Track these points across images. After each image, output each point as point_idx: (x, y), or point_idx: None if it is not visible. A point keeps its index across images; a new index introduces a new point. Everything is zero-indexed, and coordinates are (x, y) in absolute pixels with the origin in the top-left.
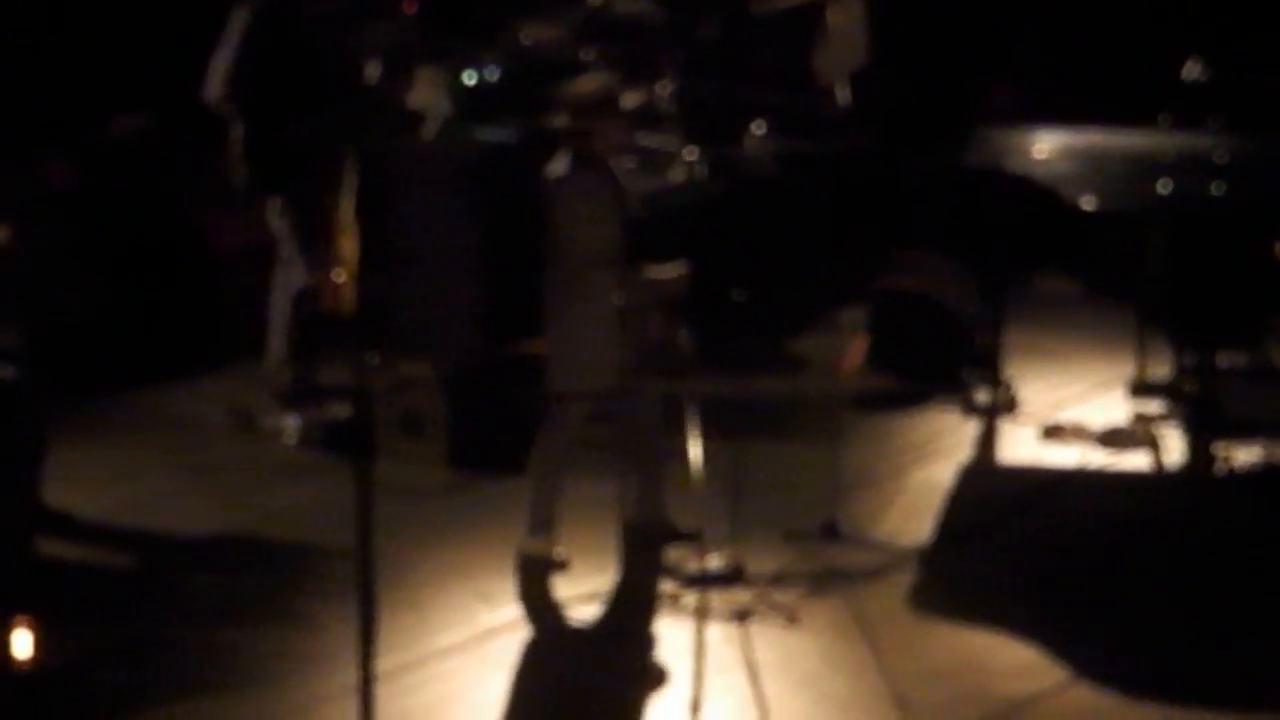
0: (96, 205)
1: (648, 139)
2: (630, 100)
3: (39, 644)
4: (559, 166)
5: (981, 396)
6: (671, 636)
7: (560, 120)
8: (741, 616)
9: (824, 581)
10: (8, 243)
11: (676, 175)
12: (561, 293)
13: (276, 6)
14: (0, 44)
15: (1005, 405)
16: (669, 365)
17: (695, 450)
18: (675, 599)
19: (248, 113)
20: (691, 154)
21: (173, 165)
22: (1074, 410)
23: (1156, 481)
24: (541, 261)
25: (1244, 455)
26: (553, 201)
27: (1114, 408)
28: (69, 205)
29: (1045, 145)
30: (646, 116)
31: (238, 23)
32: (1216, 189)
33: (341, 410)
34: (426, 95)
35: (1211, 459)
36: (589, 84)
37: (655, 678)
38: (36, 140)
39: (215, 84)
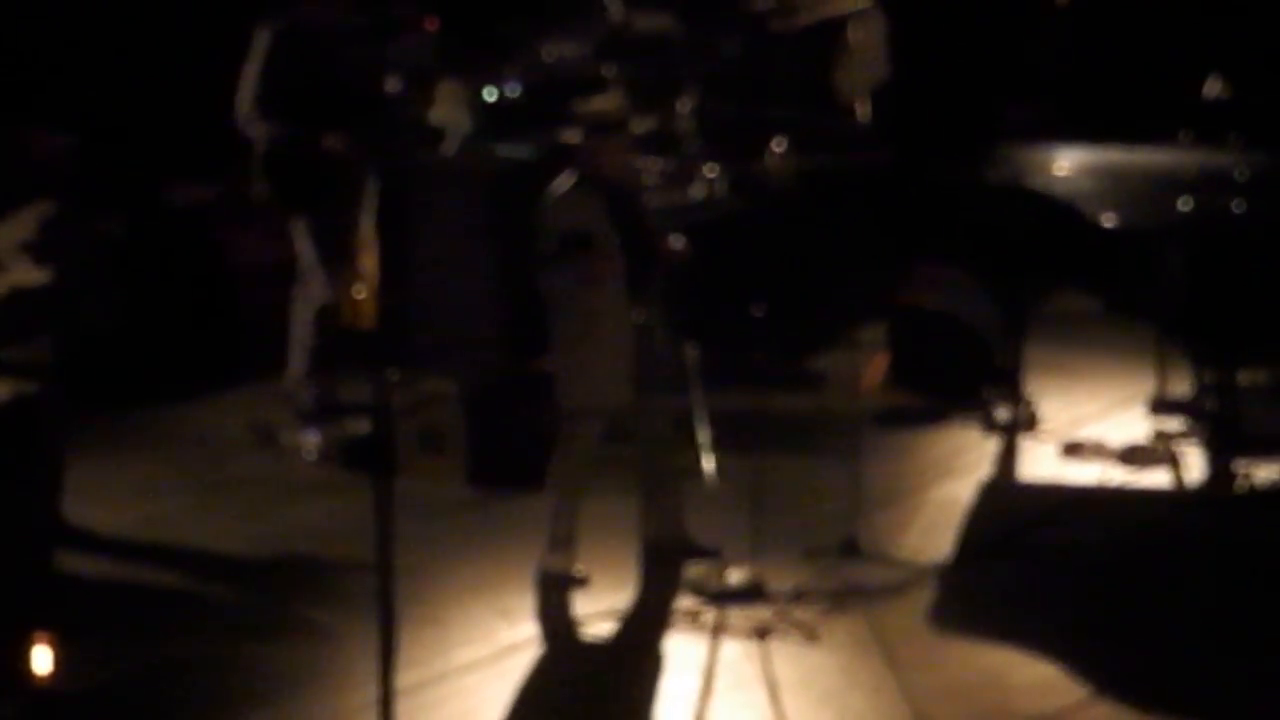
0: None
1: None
2: (642, 123)
3: (58, 660)
4: (560, 183)
5: (1002, 413)
6: (691, 653)
7: (570, 137)
8: (761, 633)
9: (844, 598)
10: (52, 282)
11: (697, 192)
12: (564, 308)
13: (297, 26)
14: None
15: (1025, 422)
16: (676, 381)
17: (708, 464)
18: (694, 616)
19: (272, 130)
20: (712, 171)
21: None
22: (1094, 427)
23: (1177, 499)
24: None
25: (1264, 473)
26: (550, 218)
27: (1134, 425)
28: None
29: (1066, 162)
30: (664, 135)
31: (260, 43)
32: (1237, 206)
33: (361, 426)
34: (447, 112)
35: (1232, 476)
36: (601, 102)
37: (674, 695)
38: (96, 197)
39: (243, 103)
